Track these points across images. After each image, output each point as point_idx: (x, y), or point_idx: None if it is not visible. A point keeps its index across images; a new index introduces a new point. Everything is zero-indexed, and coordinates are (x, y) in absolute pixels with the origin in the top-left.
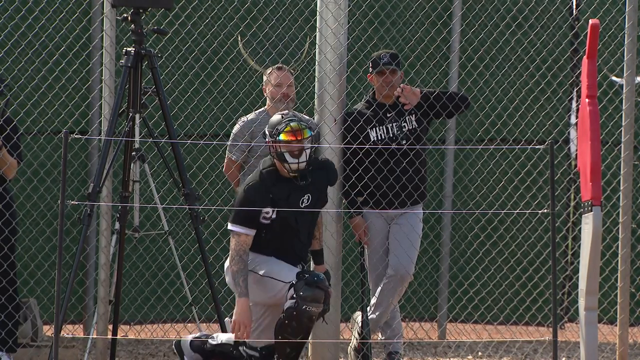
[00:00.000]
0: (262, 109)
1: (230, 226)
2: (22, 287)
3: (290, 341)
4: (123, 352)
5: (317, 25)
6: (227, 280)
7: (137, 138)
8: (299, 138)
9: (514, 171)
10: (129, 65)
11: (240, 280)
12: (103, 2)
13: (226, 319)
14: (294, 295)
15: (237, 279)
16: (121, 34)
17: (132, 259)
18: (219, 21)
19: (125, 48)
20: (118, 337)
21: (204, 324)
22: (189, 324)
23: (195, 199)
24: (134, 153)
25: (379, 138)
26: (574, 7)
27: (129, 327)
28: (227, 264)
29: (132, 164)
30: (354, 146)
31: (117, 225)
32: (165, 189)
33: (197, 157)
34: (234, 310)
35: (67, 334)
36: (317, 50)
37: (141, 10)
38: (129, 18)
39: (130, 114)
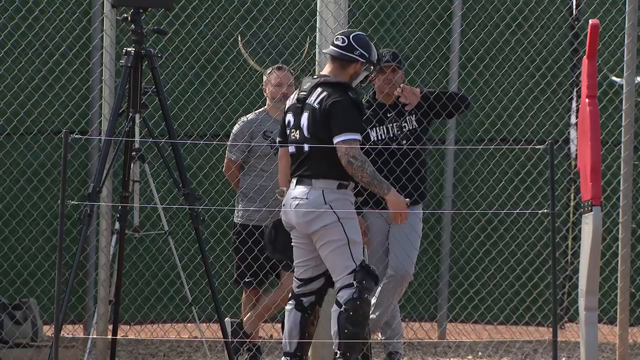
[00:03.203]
0: (262, 109)
1: (348, 136)
2: (22, 287)
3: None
4: (123, 352)
5: (317, 25)
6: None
7: (137, 138)
8: None
9: (514, 171)
10: (129, 65)
11: (378, 178)
12: (103, 2)
13: (226, 319)
14: (354, 284)
15: (377, 177)
16: (121, 34)
17: (132, 259)
18: (219, 21)
19: (125, 48)
20: (118, 337)
21: (204, 324)
22: (189, 324)
23: (195, 199)
24: (134, 153)
25: (379, 138)
26: (574, 7)
27: (129, 327)
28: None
29: (132, 164)
30: (354, 146)
31: (117, 225)
32: (165, 189)
33: (197, 157)
34: (389, 201)
35: (67, 334)
36: (317, 50)
37: (141, 11)
38: (129, 18)
39: (130, 114)
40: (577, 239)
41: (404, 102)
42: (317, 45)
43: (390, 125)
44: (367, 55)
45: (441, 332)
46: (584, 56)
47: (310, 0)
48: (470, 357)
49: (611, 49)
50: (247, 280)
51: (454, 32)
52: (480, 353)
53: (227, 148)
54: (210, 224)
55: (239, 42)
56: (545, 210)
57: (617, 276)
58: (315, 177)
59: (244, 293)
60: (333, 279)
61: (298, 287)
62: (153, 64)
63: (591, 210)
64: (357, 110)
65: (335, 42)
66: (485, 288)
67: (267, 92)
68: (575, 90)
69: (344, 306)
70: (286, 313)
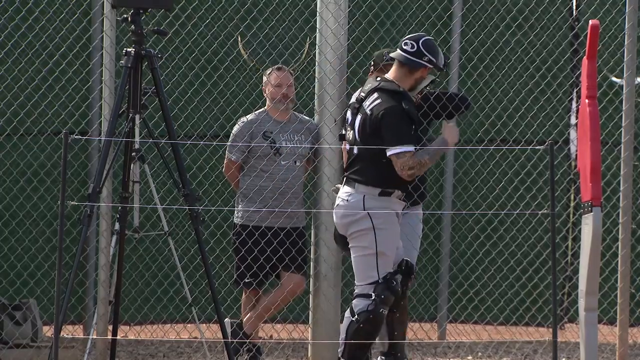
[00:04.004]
0: (262, 109)
1: (400, 149)
2: (22, 288)
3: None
4: (123, 353)
5: (317, 25)
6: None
7: (137, 139)
8: None
9: (514, 172)
10: (129, 65)
11: (432, 152)
12: (103, 2)
13: (226, 319)
14: (372, 295)
15: (433, 154)
16: (121, 35)
17: (132, 260)
18: (219, 22)
19: (125, 49)
20: (118, 337)
21: (204, 325)
22: (189, 325)
23: (195, 200)
24: (134, 154)
25: None
26: (574, 7)
27: (128, 327)
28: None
29: (132, 165)
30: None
31: (117, 226)
32: (165, 190)
33: (197, 157)
34: (449, 138)
35: (67, 334)
36: (317, 51)
37: (141, 11)
38: (129, 19)
39: (130, 115)
40: (577, 239)
41: None
42: (317, 46)
43: None
44: (434, 61)
45: (441, 333)
46: (584, 57)
47: (310, 1)
48: (470, 357)
49: (611, 50)
50: (246, 280)
51: (454, 33)
52: (480, 353)
53: (227, 148)
54: (210, 224)
55: (239, 43)
56: (545, 211)
57: (617, 277)
58: (359, 180)
59: (243, 294)
60: (356, 282)
61: None
62: (153, 64)
63: (591, 211)
64: (408, 120)
65: (404, 47)
66: (485, 289)
67: (266, 92)
68: (575, 90)
69: (356, 316)
70: None
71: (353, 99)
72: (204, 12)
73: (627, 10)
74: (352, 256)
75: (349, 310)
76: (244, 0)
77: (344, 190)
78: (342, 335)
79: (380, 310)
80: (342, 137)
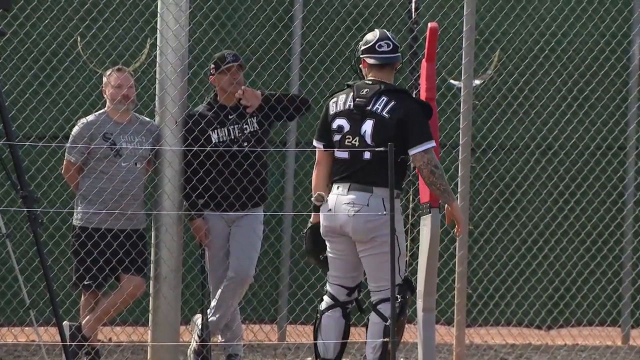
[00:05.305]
0: (102, 110)
1: (428, 145)
2: None
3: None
4: None
5: (158, 27)
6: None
7: None
8: None
9: None
10: None
11: (450, 188)
12: None
13: (64, 322)
14: (398, 297)
15: (449, 187)
16: None
17: None
18: (58, 22)
19: None
20: None
21: (42, 328)
22: (27, 328)
23: (33, 201)
24: None
25: (220, 140)
26: (413, 10)
27: None
28: None
29: None
30: (195, 148)
31: None
32: (3, 191)
33: (36, 159)
34: (454, 210)
35: None
36: (158, 52)
37: None
38: None
39: None
40: (415, 240)
41: (245, 104)
42: (158, 47)
43: (232, 127)
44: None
45: (281, 334)
46: (423, 59)
47: (150, 2)
48: (309, 359)
49: (449, 52)
50: (85, 283)
51: (295, 34)
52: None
53: (66, 150)
54: (49, 226)
55: (79, 44)
56: (384, 213)
57: (454, 277)
58: (375, 184)
59: (82, 296)
60: (371, 286)
61: (347, 294)
62: None
63: (429, 212)
64: (428, 116)
65: (381, 50)
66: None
67: (106, 93)
68: (414, 93)
69: (389, 321)
70: (329, 320)
71: (343, 107)
72: (43, 12)
73: (465, 13)
74: (372, 261)
75: (375, 314)
76: (84, 1)
77: (357, 197)
78: (378, 340)
79: (407, 311)
80: (328, 145)
